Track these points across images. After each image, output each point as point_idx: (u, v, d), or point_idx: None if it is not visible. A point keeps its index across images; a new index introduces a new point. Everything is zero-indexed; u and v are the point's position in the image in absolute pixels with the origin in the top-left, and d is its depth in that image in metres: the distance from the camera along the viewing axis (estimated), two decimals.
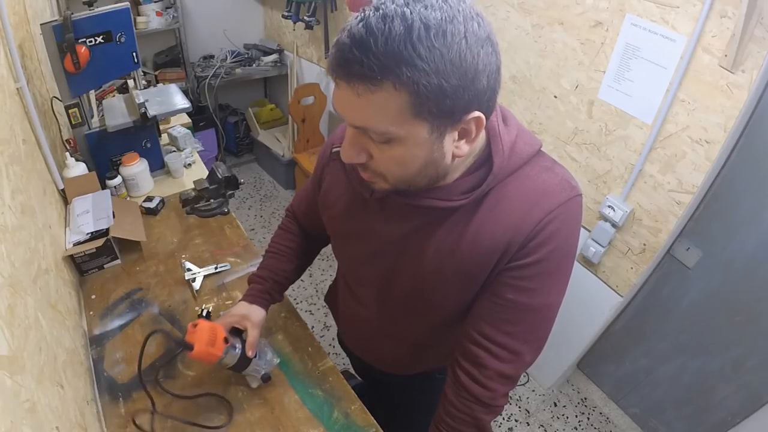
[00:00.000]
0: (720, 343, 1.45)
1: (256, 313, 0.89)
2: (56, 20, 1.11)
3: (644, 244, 1.44)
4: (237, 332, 0.86)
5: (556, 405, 1.94)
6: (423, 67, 0.47)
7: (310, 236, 1.00)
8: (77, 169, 1.31)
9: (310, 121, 2.74)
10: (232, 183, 1.38)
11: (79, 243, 1.15)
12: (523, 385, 2.01)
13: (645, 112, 1.30)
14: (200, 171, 1.62)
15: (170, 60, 2.85)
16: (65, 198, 1.30)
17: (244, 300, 0.92)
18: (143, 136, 1.44)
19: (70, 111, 1.27)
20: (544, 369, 1.97)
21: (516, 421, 1.87)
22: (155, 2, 2.59)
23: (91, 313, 1.07)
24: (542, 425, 1.86)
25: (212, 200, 1.39)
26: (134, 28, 1.25)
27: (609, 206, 1.46)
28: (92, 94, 1.82)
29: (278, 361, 0.94)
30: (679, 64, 1.18)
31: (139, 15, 2.54)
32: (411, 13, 0.46)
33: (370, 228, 0.73)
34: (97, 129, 1.36)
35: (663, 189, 1.33)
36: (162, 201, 1.42)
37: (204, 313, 1.06)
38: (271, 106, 3.35)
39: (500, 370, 0.67)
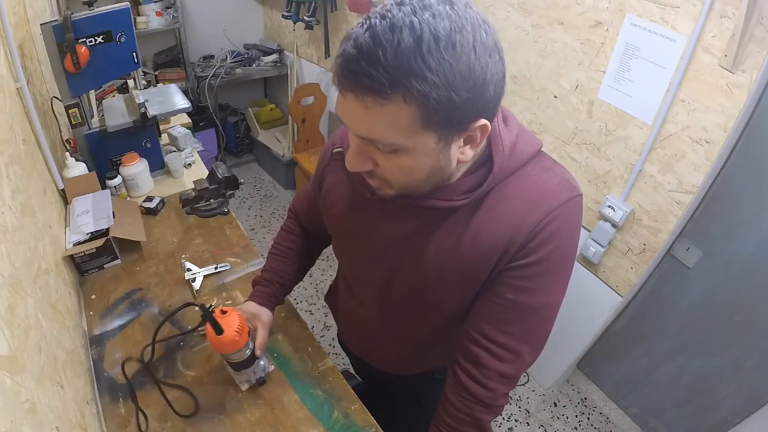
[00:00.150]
0: (720, 343, 1.45)
1: (265, 314, 0.90)
2: (56, 20, 1.11)
3: (644, 244, 1.44)
4: None
5: (556, 405, 1.94)
6: (433, 80, 0.46)
7: (311, 236, 1.00)
8: (77, 169, 1.31)
9: (310, 121, 2.74)
10: (232, 183, 1.38)
11: (79, 243, 1.15)
12: (523, 385, 2.01)
13: (645, 112, 1.30)
14: (200, 171, 1.62)
15: (170, 60, 2.85)
16: (65, 198, 1.30)
17: (253, 300, 0.91)
18: (143, 136, 1.44)
19: (70, 111, 1.27)
20: (544, 369, 1.97)
21: (516, 421, 1.87)
22: (155, 2, 2.59)
23: (91, 313, 1.07)
24: (542, 425, 1.86)
25: (212, 200, 1.39)
26: (134, 28, 1.26)
27: (609, 206, 1.46)
28: (92, 94, 1.82)
29: (272, 369, 0.94)
30: (679, 64, 1.18)
31: (139, 15, 2.55)
32: (420, 23, 0.45)
33: (371, 228, 0.73)
34: (97, 129, 1.36)
35: (663, 189, 1.33)
36: (162, 201, 1.42)
37: (210, 309, 1.05)
38: (271, 106, 3.35)
39: (500, 370, 0.67)
